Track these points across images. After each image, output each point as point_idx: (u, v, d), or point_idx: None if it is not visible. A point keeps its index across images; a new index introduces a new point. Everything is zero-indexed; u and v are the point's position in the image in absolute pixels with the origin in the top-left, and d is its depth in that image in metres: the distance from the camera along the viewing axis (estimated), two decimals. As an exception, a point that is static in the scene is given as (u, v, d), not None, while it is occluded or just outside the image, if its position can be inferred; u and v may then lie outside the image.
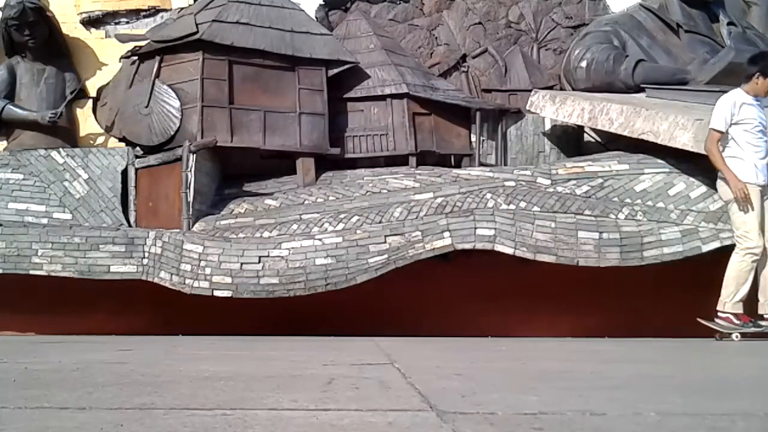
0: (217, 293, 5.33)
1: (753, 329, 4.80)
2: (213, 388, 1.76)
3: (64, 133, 6.34)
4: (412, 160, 6.34)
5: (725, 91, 6.03)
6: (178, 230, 5.63)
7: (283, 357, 2.88)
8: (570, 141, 6.62)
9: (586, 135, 6.57)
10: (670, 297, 5.74)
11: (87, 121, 6.49)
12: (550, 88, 6.78)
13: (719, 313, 4.87)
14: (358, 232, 5.46)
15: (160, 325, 5.68)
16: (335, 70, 6.39)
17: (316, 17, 6.88)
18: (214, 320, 5.52)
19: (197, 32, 6.06)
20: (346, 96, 6.51)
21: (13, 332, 5.66)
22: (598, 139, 6.48)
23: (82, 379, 1.95)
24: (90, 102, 6.53)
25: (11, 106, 6.29)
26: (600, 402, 1.56)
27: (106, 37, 6.69)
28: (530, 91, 6.55)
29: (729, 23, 6.70)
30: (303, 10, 6.58)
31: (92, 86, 6.56)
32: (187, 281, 5.36)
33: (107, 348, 3.54)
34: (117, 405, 1.51)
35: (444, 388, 1.78)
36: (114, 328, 5.54)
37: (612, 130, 5.86)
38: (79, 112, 6.51)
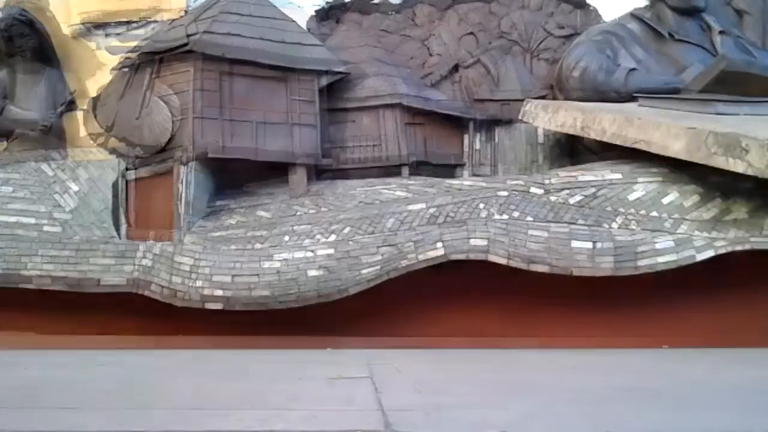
0: (208, 306, 5.31)
1: None
2: (161, 407, 1.72)
3: (55, 144, 6.32)
4: (405, 171, 6.31)
5: (718, 100, 6.05)
6: (169, 242, 5.60)
7: (261, 371, 2.84)
8: (563, 150, 6.60)
9: (579, 144, 6.55)
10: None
11: (78, 132, 6.46)
12: (543, 97, 6.76)
13: None
14: (350, 243, 5.44)
15: (153, 332, 5.70)
16: (327, 81, 6.38)
17: (309, 28, 6.86)
18: (211, 325, 5.53)
19: (189, 43, 6.04)
20: (338, 106, 6.49)
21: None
22: (591, 149, 6.46)
23: (29, 397, 1.90)
24: (81, 113, 6.50)
25: (10, 107, 6.27)
26: (572, 419, 1.52)
27: (97, 48, 6.67)
28: (523, 100, 6.53)
29: (721, 32, 6.70)
30: (295, 21, 6.56)
31: (84, 97, 6.53)
32: (178, 294, 5.33)
33: (81, 363, 3.48)
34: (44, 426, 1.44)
35: (411, 404, 1.74)
36: (105, 339, 5.54)
37: (605, 139, 5.84)
38: (70, 122, 6.49)
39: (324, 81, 6.35)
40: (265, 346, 5.43)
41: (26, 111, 6.27)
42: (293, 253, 5.37)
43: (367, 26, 7.18)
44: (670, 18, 6.77)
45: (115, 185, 6.04)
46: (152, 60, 6.18)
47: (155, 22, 6.76)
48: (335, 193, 6.06)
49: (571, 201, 5.69)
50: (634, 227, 5.49)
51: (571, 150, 6.59)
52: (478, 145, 6.57)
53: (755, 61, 6.43)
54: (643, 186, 5.71)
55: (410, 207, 5.73)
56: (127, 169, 6.07)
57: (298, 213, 5.88)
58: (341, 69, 6.40)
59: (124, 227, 5.99)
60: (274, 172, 6.37)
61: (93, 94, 6.50)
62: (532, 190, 5.81)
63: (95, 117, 6.44)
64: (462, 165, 6.52)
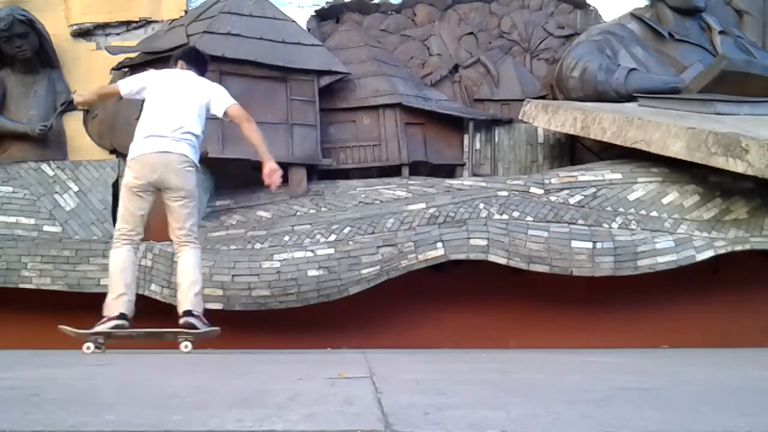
0: (208, 306, 5.28)
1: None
2: (161, 406, 1.72)
3: (54, 145, 6.32)
4: (405, 171, 6.32)
5: (718, 100, 6.06)
6: (168, 242, 5.59)
7: (261, 371, 2.83)
8: (563, 150, 6.61)
9: (578, 144, 6.56)
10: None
11: (78, 133, 6.47)
12: (543, 97, 6.77)
13: None
14: (350, 243, 5.43)
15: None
16: (327, 81, 6.38)
17: (308, 28, 6.86)
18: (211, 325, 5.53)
19: (188, 43, 6.04)
20: (338, 106, 6.50)
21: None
22: (591, 149, 6.47)
23: (29, 397, 1.90)
24: (81, 114, 6.51)
25: (0, 118, 6.27)
26: (571, 419, 1.52)
27: (96, 48, 6.68)
28: (523, 100, 6.53)
29: (721, 32, 6.70)
30: (295, 21, 6.56)
31: (83, 98, 6.52)
32: (178, 294, 5.31)
33: (81, 362, 3.48)
34: (43, 427, 1.43)
35: (411, 403, 1.73)
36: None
37: (605, 139, 5.85)
38: (69, 124, 6.49)
39: (324, 81, 6.36)
40: (265, 346, 5.42)
41: (16, 122, 6.26)
42: (293, 253, 5.36)
43: (367, 26, 7.19)
44: (670, 18, 6.78)
45: (115, 185, 6.03)
46: (152, 60, 6.18)
47: (155, 22, 6.77)
48: (335, 193, 6.06)
49: (571, 201, 5.70)
50: (634, 227, 5.50)
51: (571, 150, 6.60)
52: (478, 145, 6.57)
53: (755, 61, 6.44)
54: (643, 186, 5.72)
55: (410, 207, 5.74)
56: (127, 169, 6.07)
57: (298, 213, 5.89)
58: (341, 69, 6.40)
59: (123, 227, 5.97)
60: (274, 172, 6.37)
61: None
62: (532, 190, 5.82)
63: (94, 119, 6.45)
64: (462, 165, 6.52)
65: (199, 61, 4.87)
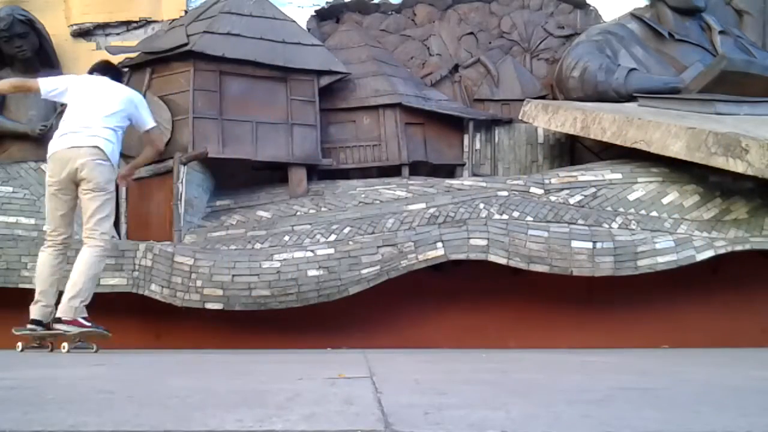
0: (208, 306, 5.30)
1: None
2: (161, 406, 1.72)
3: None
4: (405, 171, 6.32)
5: (718, 100, 6.07)
6: (168, 242, 5.60)
7: (261, 371, 2.84)
8: (563, 150, 6.61)
9: (578, 144, 6.56)
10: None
11: (78, 134, 6.45)
12: (543, 97, 6.77)
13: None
14: (350, 243, 5.43)
15: (153, 332, 5.70)
16: (327, 81, 6.38)
17: (308, 28, 6.86)
18: (211, 325, 5.54)
19: (188, 43, 6.05)
20: (338, 106, 6.50)
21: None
22: (591, 149, 6.47)
23: (29, 397, 1.90)
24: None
25: (0, 118, 6.28)
26: (571, 419, 1.52)
27: (96, 48, 6.69)
28: (523, 100, 6.53)
29: (721, 32, 6.71)
30: (294, 21, 6.57)
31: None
32: (178, 294, 5.32)
33: (80, 362, 3.48)
34: (43, 427, 1.43)
35: (411, 403, 1.73)
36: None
37: (605, 139, 5.85)
38: (70, 124, 6.48)
39: (324, 81, 6.36)
40: (265, 346, 5.43)
41: (16, 122, 6.28)
42: (293, 253, 5.36)
43: (367, 26, 7.19)
44: (670, 18, 6.78)
45: (115, 185, 6.02)
46: (152, 60, 6.19)
47: (155, 22, 6.77)
48: (335, 193, 6.06)
49: (571, 201, 5.70)
50: (634, 227, 5.50)
51: (571, 150, 6.60)
52: (478, 145, 6.58)
53: (755, 61, 6.44)
54: (643, 186, 5.72)
55: (410, 207, 5.74)
56: (126, 169, 6.07)
57: (298, 213, 5.89)
58: (341, 69, 6.40)
59: (124, 227, 5.99)
60: (274, 171, 6.38)
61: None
62: (532, 190, 5.82)
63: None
64: (462, 165, 6.53)
65: (112, 69, 5.09)
